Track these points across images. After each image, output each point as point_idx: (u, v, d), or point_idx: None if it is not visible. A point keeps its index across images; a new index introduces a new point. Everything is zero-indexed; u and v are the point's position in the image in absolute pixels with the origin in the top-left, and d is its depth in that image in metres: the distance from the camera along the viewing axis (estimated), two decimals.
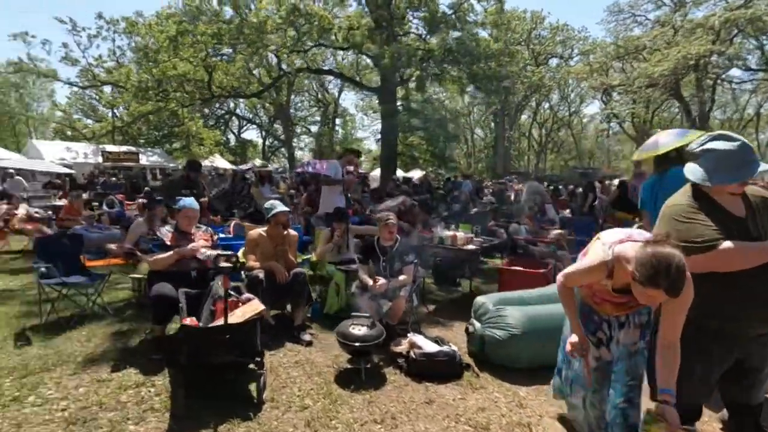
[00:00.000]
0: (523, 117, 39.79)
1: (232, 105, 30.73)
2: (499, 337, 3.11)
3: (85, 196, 11.51)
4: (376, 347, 3.03)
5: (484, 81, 14.05)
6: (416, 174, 26.58)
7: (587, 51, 30.43)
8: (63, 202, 9.28)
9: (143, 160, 19.89)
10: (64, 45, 19.62)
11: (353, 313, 3.13)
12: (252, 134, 38.09)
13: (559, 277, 2.01)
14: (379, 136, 24.16)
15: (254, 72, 23.59)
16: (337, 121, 36.41)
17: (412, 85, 18.04)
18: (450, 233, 4.65)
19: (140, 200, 11.55)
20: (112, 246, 6.13)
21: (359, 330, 2.98)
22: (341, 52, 29.01)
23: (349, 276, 4.23)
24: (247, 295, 3.13)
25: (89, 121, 29.15)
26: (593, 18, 55.94)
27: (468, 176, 13.35)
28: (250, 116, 34.78)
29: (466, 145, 39.77)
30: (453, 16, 14.62)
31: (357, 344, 2.91)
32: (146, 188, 15.61)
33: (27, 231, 7.31)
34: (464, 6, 15.10)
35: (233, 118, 33.18)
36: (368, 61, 28.13)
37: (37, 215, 7.86)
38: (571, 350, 1.89)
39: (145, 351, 3.30)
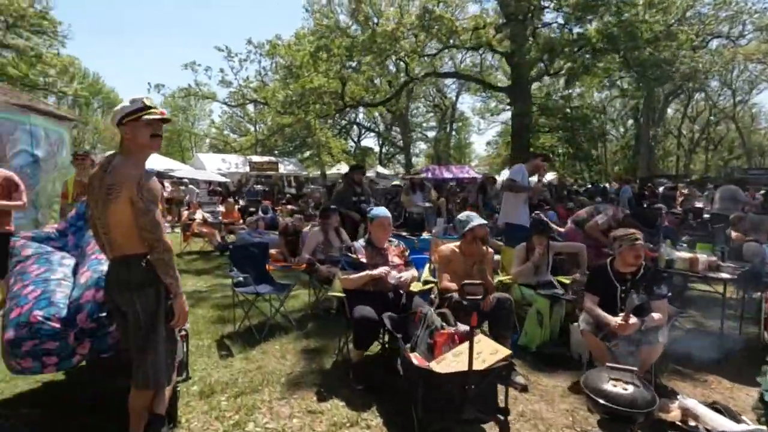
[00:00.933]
0: (669, 111, 34.00)
1: (353, 115, 32.13)
2: None
3: (242, 202, 12.75)
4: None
5: (650, 69, 11.93)
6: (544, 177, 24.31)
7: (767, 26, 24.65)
8: (221, 208, 10.26)
9: (281, 168, 21.72)
10: (221, 70, 22.54)
11: (609, 364, 2.38)
12: (369, 142, 39.37)
13: None
14: (507, 139, 22.79)
15: (375, 81, 24.22)
16: (453, 125, 35.66)
17: (546, 79, 16.40)
18: (685, 255, 3.58)
19: (286, 206, 12.38)
20: (273, 251, 6.34)
21: (625, 389, 2.21)
22: (459, 56, 28.30)
23: (555, 303, 3.50)
24: (464, 327, 2.61)
25: (235, 136, 33.45)
26: None
27: (626, 180, 11.39)
28: (368, 124, 35.97)
29: (598, 145, 35.53)
30: None
31: (626, 410, 2.15)
32: (287, 194, 16.90)
33: (204, 234, 8.13)
34: None
35: (354, 126, 34.63)
36: (492, 60, 26.88)
37: (209, 220, 8.73)
38: None
39: (341, 376, 3.02)
